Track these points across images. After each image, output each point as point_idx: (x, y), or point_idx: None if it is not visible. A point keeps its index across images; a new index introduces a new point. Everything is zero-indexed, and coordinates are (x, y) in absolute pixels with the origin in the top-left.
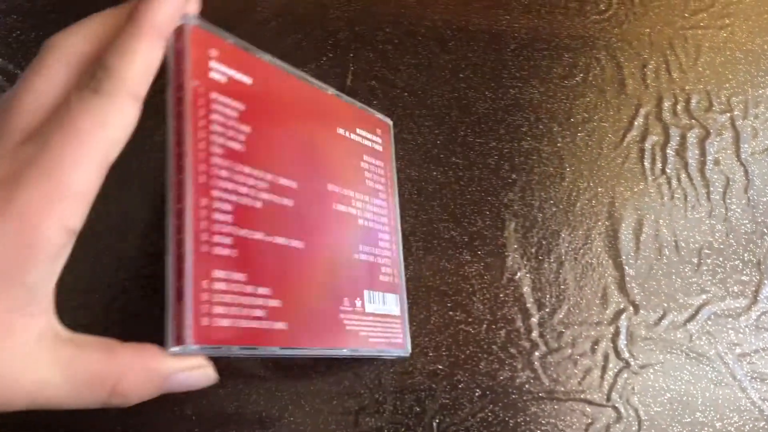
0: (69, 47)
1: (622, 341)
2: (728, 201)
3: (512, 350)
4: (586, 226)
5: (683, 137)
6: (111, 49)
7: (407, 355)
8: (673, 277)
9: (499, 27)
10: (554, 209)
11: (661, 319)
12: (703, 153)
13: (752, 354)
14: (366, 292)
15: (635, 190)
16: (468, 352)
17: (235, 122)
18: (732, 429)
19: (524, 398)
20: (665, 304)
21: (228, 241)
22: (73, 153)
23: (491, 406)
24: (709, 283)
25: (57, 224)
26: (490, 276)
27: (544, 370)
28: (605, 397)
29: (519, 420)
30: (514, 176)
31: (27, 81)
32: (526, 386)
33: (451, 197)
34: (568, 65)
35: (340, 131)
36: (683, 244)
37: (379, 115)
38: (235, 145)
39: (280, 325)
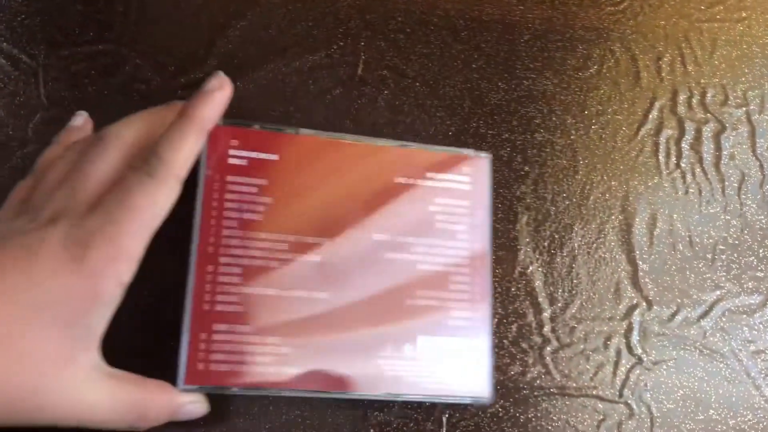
0: (124, 137)
1: (634, 337)
2: (743, 196)
3: (524, 345)
4: (600, 220)
5: (698, 131)
6: (163, 140)
7: (486, 401)
8: (687, 272)
9: (513, 17)
10: (567, 202)
11: (674, 315)
12: (718, 147)
13: (766, 351)
14: (420, 338)
15: (649, 184)
16: None
17: (255, 197)
18: (745, 427)
19: (535, 394)
20: (679, 300)
21: (233, 299)
22: (130, 224)
23: (502, 401)
24: (723, 279)
25: (115, 281)
26: (501, 270)
27: (556, 365)
28: (617, 393)
29: (530, 416)
30: (526, 168)
31: (89, 162)
32: (538, 381)
33: None
34: (582, 57)
35: (400, 180)
36: (697, 240)
37: (471, 152)
38: (253, 216)
39: (290, 370)
